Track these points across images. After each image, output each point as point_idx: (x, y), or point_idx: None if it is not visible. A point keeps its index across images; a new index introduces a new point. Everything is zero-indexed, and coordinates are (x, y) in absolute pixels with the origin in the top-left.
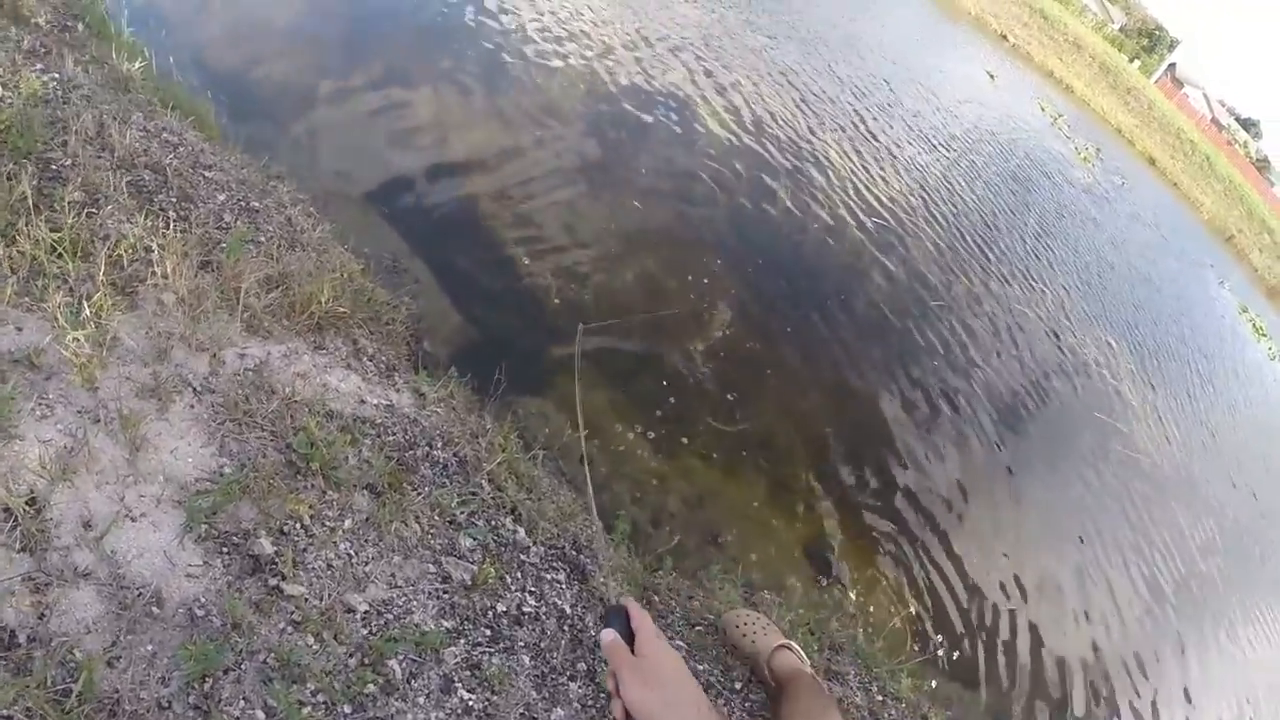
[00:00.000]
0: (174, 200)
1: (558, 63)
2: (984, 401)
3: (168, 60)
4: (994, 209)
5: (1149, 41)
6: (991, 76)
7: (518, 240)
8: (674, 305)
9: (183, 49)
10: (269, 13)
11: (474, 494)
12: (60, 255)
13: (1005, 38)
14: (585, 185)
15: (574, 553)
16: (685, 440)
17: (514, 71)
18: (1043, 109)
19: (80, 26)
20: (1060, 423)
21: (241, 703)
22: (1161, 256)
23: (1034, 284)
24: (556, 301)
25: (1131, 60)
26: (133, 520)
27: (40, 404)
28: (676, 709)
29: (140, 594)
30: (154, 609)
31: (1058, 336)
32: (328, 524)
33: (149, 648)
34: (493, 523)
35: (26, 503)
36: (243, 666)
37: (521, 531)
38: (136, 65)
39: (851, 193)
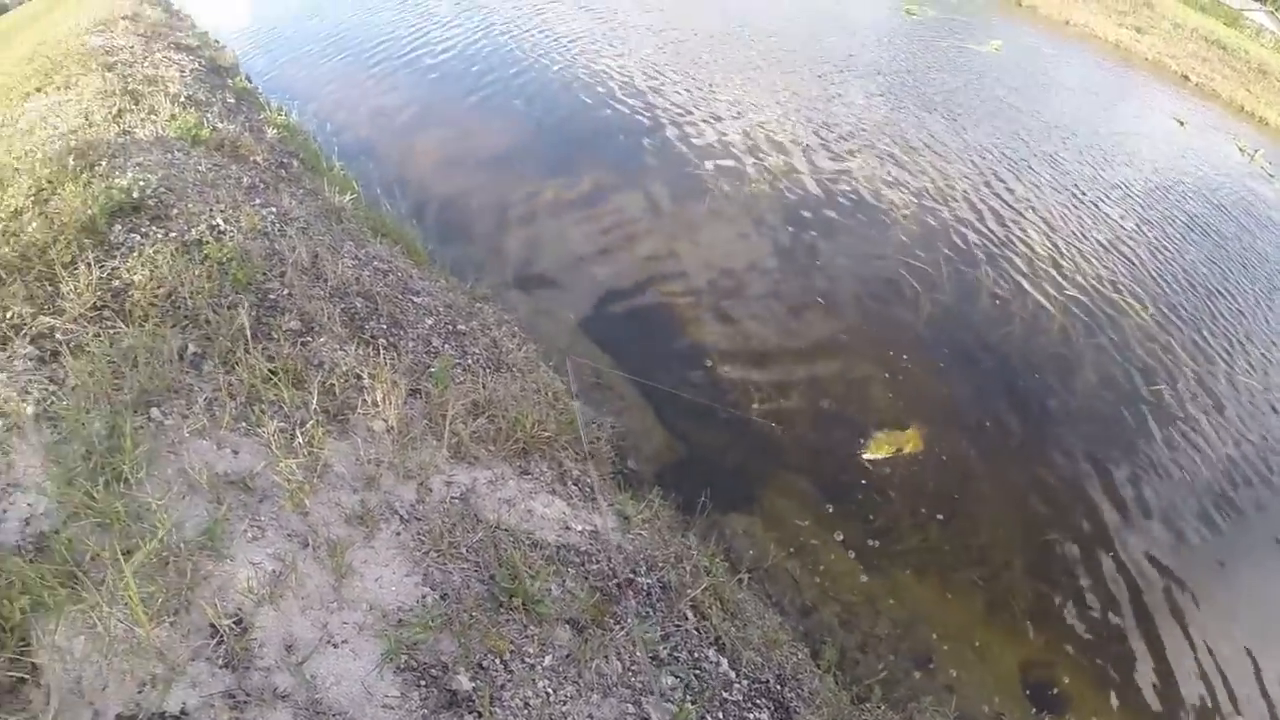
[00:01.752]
0: (384, 327)
1: (749, 170)
2: (1206, 490)
3: (375, 190)
4: (1206, 271)
5: None
6: (1181, 123)
7: (721, 354)
8: (877, 412)
9: (390, 180)
10: (472, 142)
11: (678, 625)
12: (276, 383)
13: (1187, 78)
14: (783, 296)
15: (778, 687)
16: (894, 557)
17: (704, 183)
18: (1240, 150)
19: (295, 163)
20: None
21: None
22: None
23: (1263, 356)
24: (762, 412)
25: None
26: (334, 646)
27: (252, 525)
28: None
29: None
30: None
31: None
32: (528, 660)
33: None
34: (695, 655)
35: (234, 622)
36: None
37: (725, 664)
38: (347, 197)
39: (1054, 272)
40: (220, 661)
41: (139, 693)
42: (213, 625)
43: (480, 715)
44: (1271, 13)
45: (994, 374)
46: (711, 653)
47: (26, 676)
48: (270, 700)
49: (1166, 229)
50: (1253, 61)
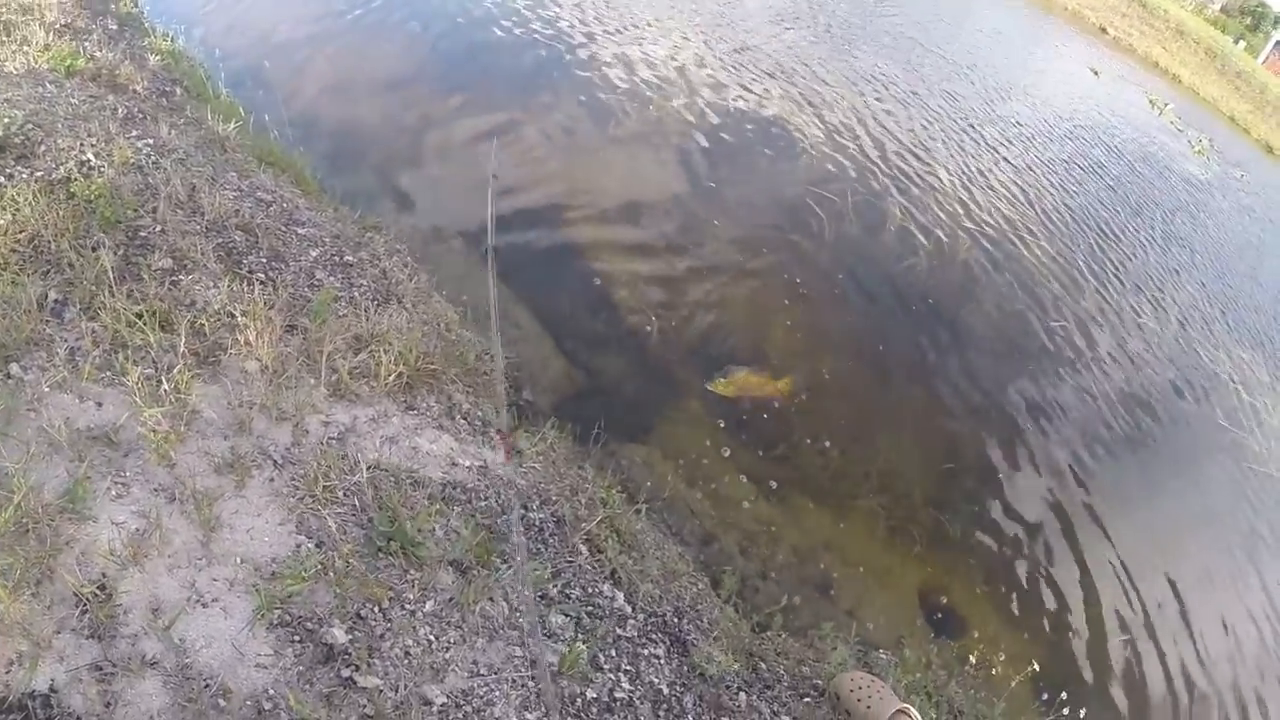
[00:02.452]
0: (264, 261)
1: (652, 93)
2: (1110, 422)
3: (264, 118)
4: (1109, 213)
5: (1253, 20)
6: (1095, 73)
7: (619, 279)
8: (779, 341)
9: (279, 106)
10: (365, 65)
11: (570, 561)
12: (142, 327)
13: (1105, 30)
14: (684, 217)
15: (675, 620)
16: (794, 484)
17: (610, 105)
18: (1151, 102)
19: (179, 91)
20: (1188, 443)
21: None
22: None
23: (1155, 293)
24: (659, 342)
25: (1237, 41)
26: (204, 606)
27: (116, 483)
28: None
29: (207, 685)
30: (220, 701)
31: (1184, 346)
32: (407, 607)
33: None
34: (589, 591)
35: (97, 588)
36: None
37: (621, 597)
38: (233, 125)
39: (959, 208)
40: (86, 632)
41: (5, 672)
42: (75, 594)
43: (358, 668)
44: None
45: (897, 305)
46: (606, 587)
47: None
48: (138, 669)
49: (1072, 170)
50: (1171, 21)
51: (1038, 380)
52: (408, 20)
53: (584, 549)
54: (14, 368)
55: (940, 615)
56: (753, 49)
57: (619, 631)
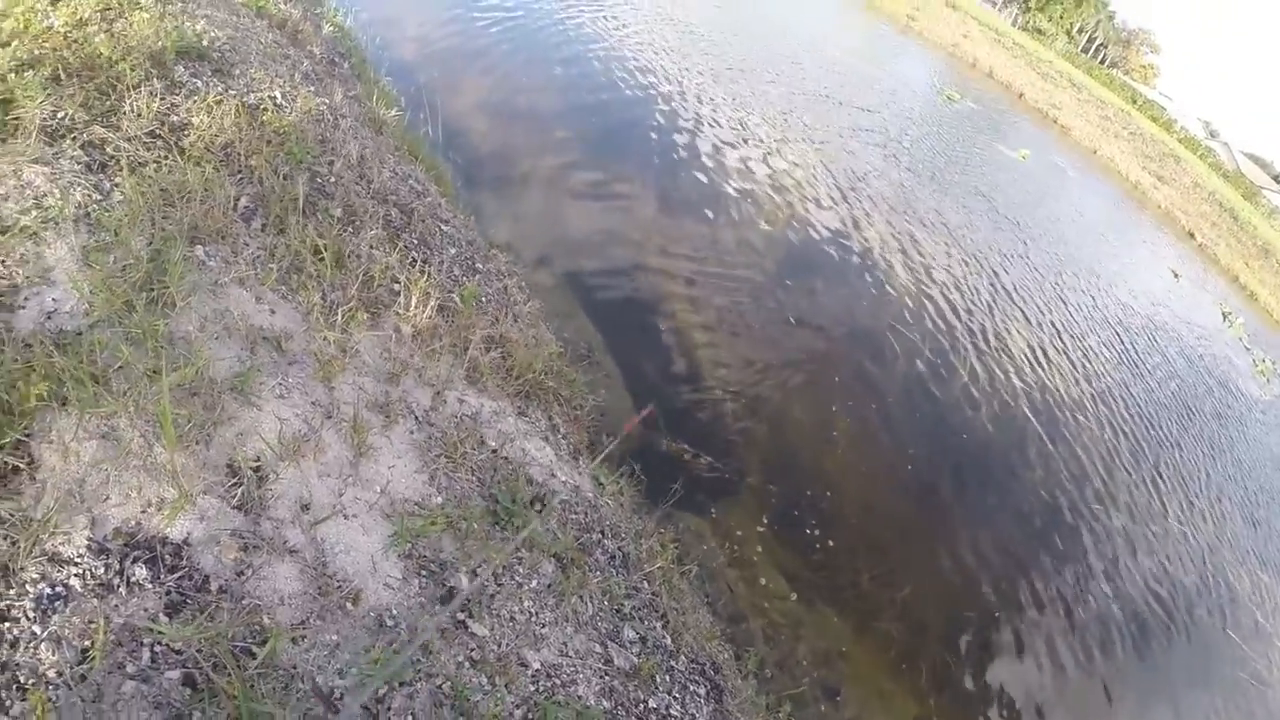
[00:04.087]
0: (415, 243)
1: (766, 201)
2: (1125, 612)
3: (419, 115)
4: (1163, 411)
5: None
6: (1175, 275)
7: (708, 361)
8: (838, 455)
9: (430, 109)
10: (511, 95)
11: (637, 590)
12: (321, 259)
13: (1193, 235)
14: (779, 322)
15: (712, 672)
16: (824, 592)
17: (726, 202)
18: (1224, 314)
19: (346, 65)
20: (1198, 647)
21: (409, 718)
22: None
23: (1193, 499)
24: (732, 428)
25: None
26: (346, 518)
27: (280, 384)
28: None
29: (340, 586)
30: (349, 605)
31: (1210, 556)
32: (517, 579)
33: (333, 637)
34: (645, 622)
35: (252, 468)
36: (417, 685)
37: (669, 639)
38: (392, 112)
39: (1028, 378)
40: (234, 502)
41: (142, 512)
42: (230, 466)
43: (472, 615)
44: None
45: (951, 450)
46: (659, 626)
47: (22, 467)
48: (279, 551)
49: (1138, 366)
50: (1259, 239)
51: (1065, 558)
52: (569, 70)
53: (646, 585)
54: (199, 250)
55: None
56: (867, 188)
57: (672, 664)
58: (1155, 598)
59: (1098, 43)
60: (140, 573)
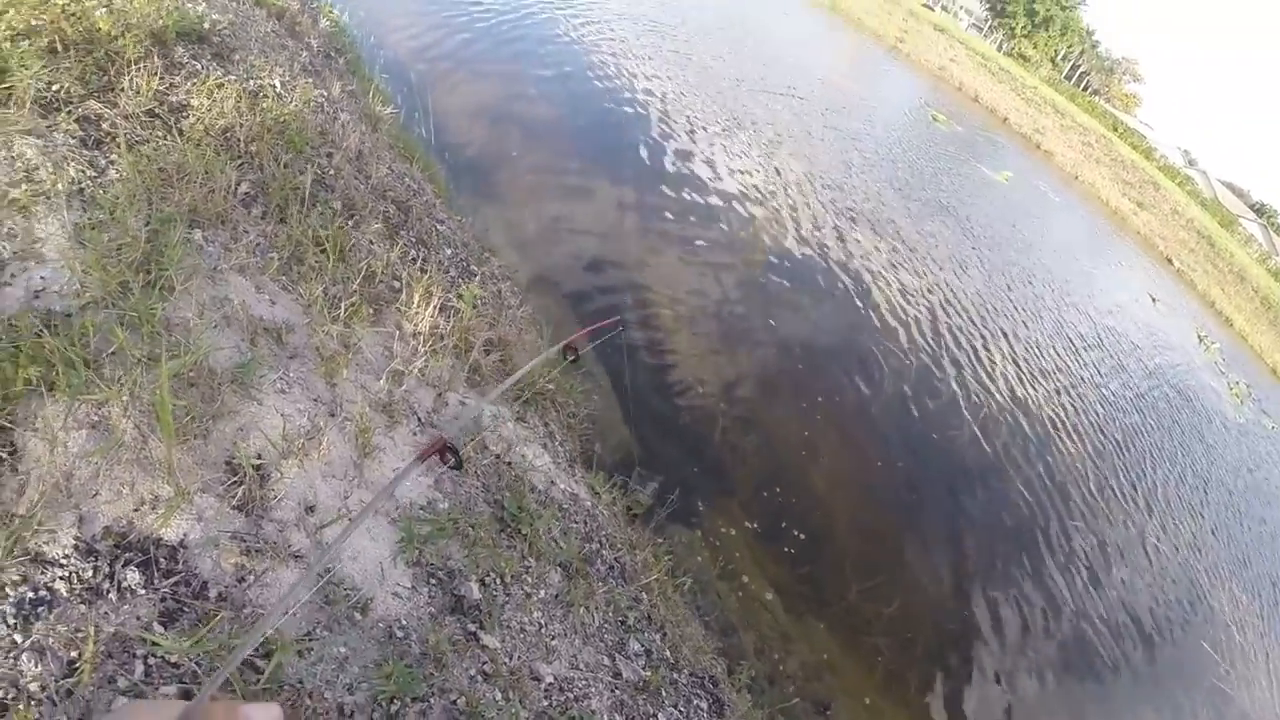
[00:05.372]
0: (413, 240)
1: (754, 212)
2: (1101, 625)
3: (413, 115)
4: (1141, 433)
5: None
6: (1153, 299)
7: (696, 370)
8: (825, 467)
9: (421, 110)
10: (503, 101)
11: (637, 601)
12: (324, 251)
13: (1170, 261)
14: (767, 336)
15: (712, 686)
16: (813, 605)
17: (709, 212)
18: (1200, 338)
19: (341, 61)
20: (1173, 659)
21: None
22: None
23: (1172, 518)
24: (719, 440)
25: None
26: (351, 522)
27: (281, 379)
28: None
29: (348, 595)
30: (356, 614)
31: (1187, 572)
32: (526, 588)
33: (342, 649)
34: (647, 635)
35: (254, 466)
36: (430, 701)
37: (669, 652)
38: (387, 109)
39: (1010, 397)
40: (234, 502)
41: (135, 511)
42: (230, 463)
43: (483, 626)
44: (1264, 225)
45: (934, 467)
46: (658, 638)
47: (5, 456)
48: (283, 556)
49: (1114, 384)
50: (1235, 265)
51: (1048, 573)
52: (561, 76)
53: (645, 597)
54: (197, 234)
55: None
56: (852, 202)
57: (674, 676)
58: (1135, 613)
59: (1081, 70)
60: (132, 577)
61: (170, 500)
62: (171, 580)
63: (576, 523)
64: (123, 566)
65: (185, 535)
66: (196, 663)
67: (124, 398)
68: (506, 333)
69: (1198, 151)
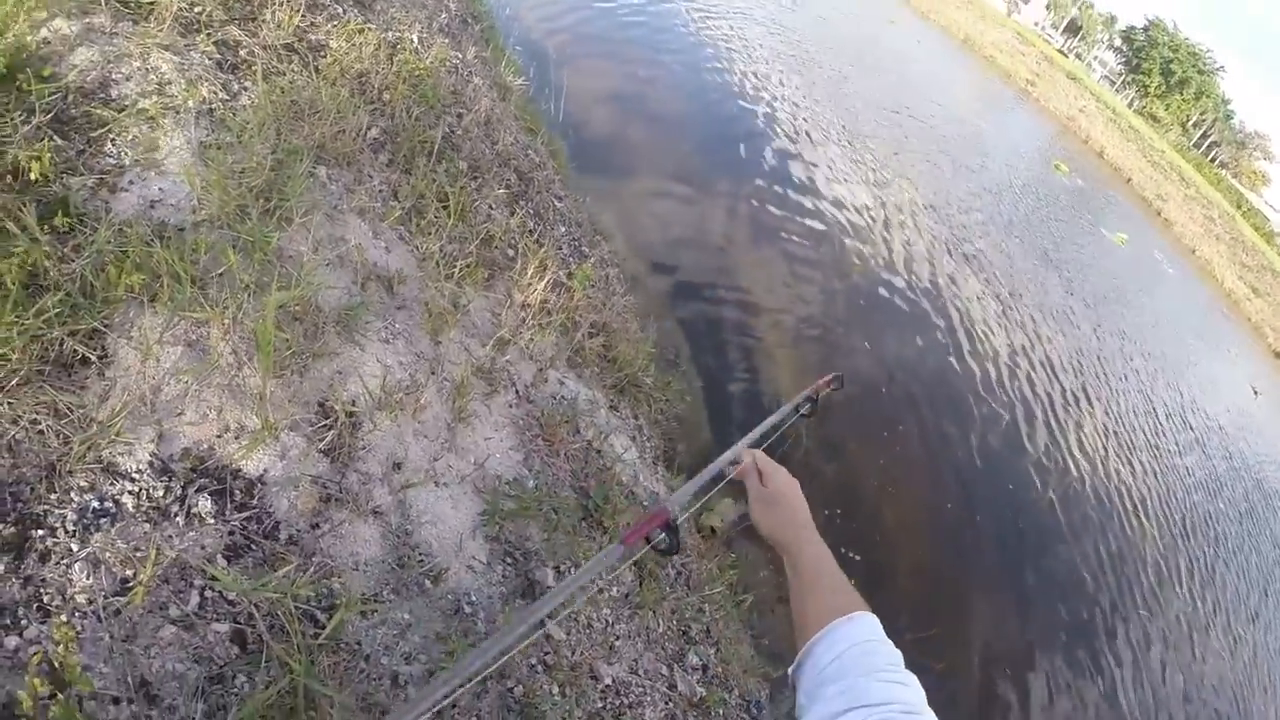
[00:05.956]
0: (531, 212)
1: (870, 238)
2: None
3: (543, 90)
4: (1223, 530)
5: None
6: (1256, 392)
7: (789, 393)
8: (898, 511)
9: (550, 87)
10: (645, 90)
11: (701, 612)
12: (445, 208)
13: (1278, 356)
14: (863, 359)
15: (756, 711)
16: None
17: (825, 232)
18: None
19: (476, 28)
20: None
21: (474, 719)
22: None
23: (1237, 626)
24: (803, 463)
25: None
26: (437, 486)
27: (386, 329)
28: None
29: (422, 560)
30: (427, 582)
31: (1243, 689)
32: (599, 584)
33: (406, 616)
34: (704, 648)
35: (348, 412)
36: (488, 685)
37: (721, 669)
38: (518, 81)
39: (1098, 471)
40: (322, 445)
41: (218, 437)
42: (322, 405)
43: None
44: None
45: (1007, 526)
46: (713, 653)
47: (93, 359)
48: (363, 510)
49: (1209, 478)
50: None
51: (1102, 654)
52: (700, 76)
53: (707, 609)
54: (322, 171)
55: None
56: (960, 235)
57: (725, 696)
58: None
59: (1211, 139)
60: (204, 504)
61: (256, 432)
62: (244, 514)
63: None
64: (195, 492)
65: (265, 471)
66: (255, 605)
67: (226, 321)
68: (611, 319)
69: None
